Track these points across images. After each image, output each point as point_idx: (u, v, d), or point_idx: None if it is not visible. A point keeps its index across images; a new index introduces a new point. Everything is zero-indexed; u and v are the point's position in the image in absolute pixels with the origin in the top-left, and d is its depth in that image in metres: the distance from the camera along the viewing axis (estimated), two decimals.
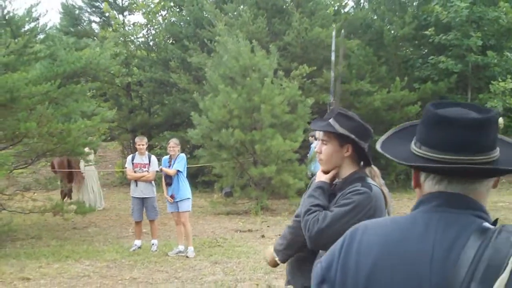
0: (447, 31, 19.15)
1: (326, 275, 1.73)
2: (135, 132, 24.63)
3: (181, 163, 10.45)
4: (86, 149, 14.22)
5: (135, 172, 10.77)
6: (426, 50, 21.20)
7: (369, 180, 3.20)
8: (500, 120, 14.63)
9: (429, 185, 1.71)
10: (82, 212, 12.60)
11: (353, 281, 1.66)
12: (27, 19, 13.52)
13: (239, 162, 15.63)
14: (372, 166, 3.33)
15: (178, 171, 10.36)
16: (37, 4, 13.80)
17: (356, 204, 3.04)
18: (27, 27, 14.04)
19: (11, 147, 12.56)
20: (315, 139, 13.56)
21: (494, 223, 1.61)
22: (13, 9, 14.90)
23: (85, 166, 15.67)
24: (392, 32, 20.59)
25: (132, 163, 10.83)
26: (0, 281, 8.74)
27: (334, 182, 3.36)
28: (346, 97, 19.43)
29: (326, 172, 3.36)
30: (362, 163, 3.30)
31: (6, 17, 13.01)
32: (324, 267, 1.76)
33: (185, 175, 10.62)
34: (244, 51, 15.06)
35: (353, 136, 3.20)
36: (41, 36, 15.43)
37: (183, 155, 10.77)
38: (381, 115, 19.21)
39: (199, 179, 18.82)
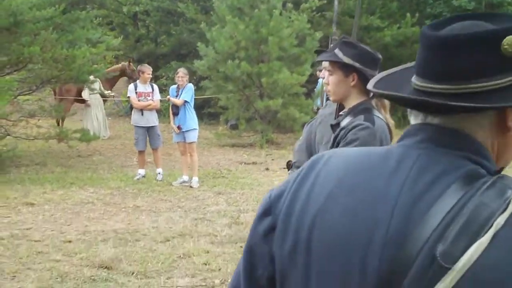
0: None
1: (273, 206, 1.34)
2: (142, 61, 24.38)
3: (188, 93, 10.34)
4: (91, 77, 14.11)
5: (139, 101, 10.67)
6: None
7: (375, 112, 3.10)
8: None
9: (412, 115, 1.32)
10: (86, 140, 12.58)
11: (298, 217, 1.29)
12: None
13: (245, 95, 15.53)
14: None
15: (185, 101, 10.26)
16: None
17: (361, 141, 2.95)
18: None
19: (15, 72, 12.47)
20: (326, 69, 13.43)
21: (497, 172, 1.22)
22: None
23: (89, 94, 15.56)
24: None
25: (136, 92, 10.72)
26: (4, 205, 8.78)
27: (340, 113, 3.28)
28: (356, 32, 19.09)
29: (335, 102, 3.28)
30: (371, 93, 3.20)
31: None
32: (273, 196, 1.36)
33: (192, 106, 10.52)
34: None
35: (357, 65, 3.09)
36: None
37: (190, 85, 10.67)
38: (390, 51, 18.91)
39: (205, 110, 18.75)
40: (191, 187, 10.18)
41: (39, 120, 13.35)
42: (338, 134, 3.09)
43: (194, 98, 11.00)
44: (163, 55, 23.55)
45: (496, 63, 1.18)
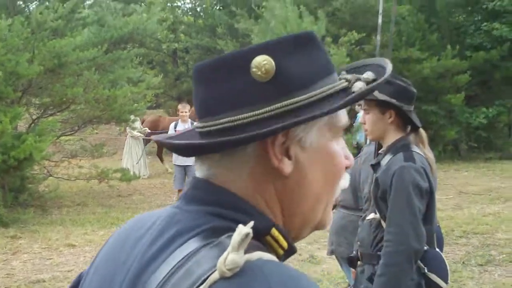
0: None
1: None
2: (181, 99, 24.64)
3: None
4: (132, 117, 14.22)
5: None
6: (479, 17, 20.44)
7: (413, 148, 2.98)
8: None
9: None
10: (126, 180, 12.61)
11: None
12: None
13: None
14: (420, 130, 3.13)
15: None
16: None
17: (412, 183, 2.84)
18: None
19: (58, 113, 12.62)
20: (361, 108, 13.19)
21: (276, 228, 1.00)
22: None
23: (128, 133, 15.68)
24: None
25: (175, 130, 10.72)
26: (46, 247, 8.80)
27: (379, 151, 3.18)
28: (395, 64, 18.88)
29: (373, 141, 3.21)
30: (409, 128, 3.07)
31: None
32: (77, 276, 1.25)
33: None
34: (291, 17, 14.79)
35: (393, 101, 2.98)
36: (89, 2, 15.40)
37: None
38: (430, 84, 18.67)
39: None
40: None
41: (80, 160, 13.45)
42: (378, 176, 3.00)
43: None
44: None
45: (250, 91, 0.98)
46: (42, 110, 12.52)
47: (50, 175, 12.35)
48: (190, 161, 10.74)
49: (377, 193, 2.98)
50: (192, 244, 0.94)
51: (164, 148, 14.46)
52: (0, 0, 11.91)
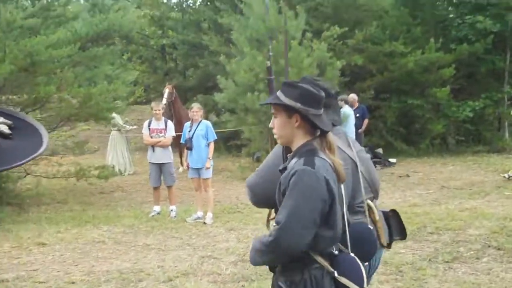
0: None
1: None
2: (155, 98, 24.63)
3: (209, 132, 10.27)
4: (113, 114, 14.22)
5: (151, 137, 10.69)
6: (465, 11, 20.36)
7: (318, 153, 2.98)
8: None
9: None
10: (104, 177, 12.63)
11: None
12: None
13: (266, 127, 15.43)
14: (327, 135, 3.07)
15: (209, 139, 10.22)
16: None
17: (303, 186, 2.85)
18: None
19: (36, 111, 12.62)
20: (345, 102, 13.15)
21: None
22: None
23: (111, 130, 15.69)
24: None
25: (149, 128, 10.76)
26: (16, 246, 8.82)
27: (287, 155, 3.19)
28: (380, 58, 18.90)
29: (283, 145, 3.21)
30: (318, 132, 3.07)
31: None
32: None
33: (207, 142, 10.37)
34: (270, 13, 14.75)
35: (298, 105, 2.99)
36: None
37: (207, 122, 10.58)
38: (415, 77, 18.65)
39: (231, 142, 18.72)
40: (204, 223, 10.08)
41: (62, 158, 13.46)
42: (280, 179, 3.01)
43: (217, 132, 10.90)
44: (191, 88, 23.67)
45: None
46: (20, 108, 12.51)
47: (28, 174, 12.36)
48: (165, 159, 10.76)
49: (280, 196, 3.00)
50: None
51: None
52: None
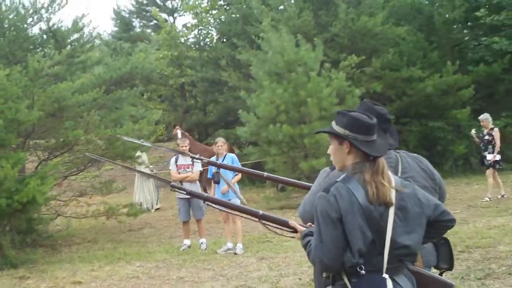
0: (499, 11, 18.58)
1: None
2: (192, 131, 25.02)
3: (230, 163, 10.40)
4: (138, 153, 14.51)
5: (179, 173, 10.92)
6: (480, 32, 20.56)
7: (346, 179, 3.09)
8: None
9: None
10: (133, 214, 12.85)
11: None
12: (72, 30, 13.83)
13: (290, 157, 15.64)
14: (378, 159, 3.15)
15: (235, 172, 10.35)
16: (83, 16, 14.04)
17: (317, 214, 3.05)
18: (74, 36, 14.33)
19: (64, 154, 12.92)
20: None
21: None
22: (59, 21, 15.17)
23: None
24: (443, 15, 20.04)
25: (176, 165, 10.99)
26: (53, 285, 9.00)
27: None
28: (398, 84, 19.13)
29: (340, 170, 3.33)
30: (371, 157, 3.16)
31: (52, 29, 13.36)
32: None
33: (233, 175, 10.59)
34: (288, 46, 15.08)
35: (347, 132, 3.17)
36: (91, 45, 15.78)
37: (232, 155, 10.81)
38: (434, 100, 18.85)
39: None
40: (235, 254, 10.24)
41: (90, 198, 13.75)
42: None
43: (242, 164, 11.05)
44: (211, 124, 24.04)
45: None
46: (48, 152, 12.85)
47: (59, 215, 12.63)
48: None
49: None
50: None
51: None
52: (0, 51, 12.28)
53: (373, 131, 3.20)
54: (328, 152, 3.35)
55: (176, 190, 4.49)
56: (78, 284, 8.99)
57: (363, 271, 2.99)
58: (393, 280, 3.00)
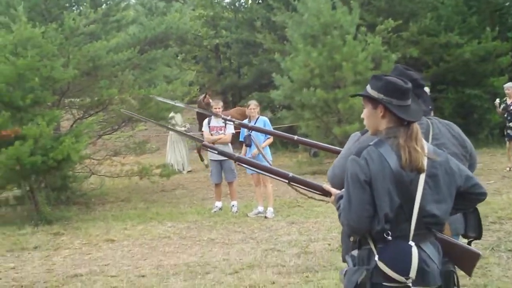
0: None
1: None
2: (226, 94, 24.98)
3: (262, 126, 10.27)
4: (172, 114, 14.55)
5: (211, 135, 10.92)
6: None
7: (378, 143, 3.04)
8: None
9: None
10: (166, 175, 12.95)
11: None
12: None
13: (323, 121, 15.55)
14: (413, 125, 3.08)
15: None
16: None
17: (348, 178, 3.04)
18: None
19: (99, 113, 13.03)
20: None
21: None
22: None
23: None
24: None
25: (209, 126, 10.99)
26: (86, 243, 9.18)
27: None
28: (435, 50, 18.79)
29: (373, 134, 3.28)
30: (406, 122, 3.10)
31: None
32: None
33: (265, 138, 10.51)
34: (324, 8, 14.87)
35: (381, 96, 3.10)
36: (126, 4, 15.69)
37: (264, 118, 10.75)
38: (472, 67, 18.48)
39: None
40: (266, 217, 10.27)
41: (124, 157, 13.87)
42: None
43: (275, 127, 10.98)
44: (246, 86, 23.92)
45: None
46: (83, 111, 12.97)
47: (93, 173, 12.78)
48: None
49: None
50: None
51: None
52: (36, 7, 12.28)
53: (408, 96, 3.14)
54: (362, 116, 3.31)
55: (208, 149, 4.49)
56: (111, 242, 9.16)
57: (389, 237, 2.96)
58: (419, 247, 2.96)
